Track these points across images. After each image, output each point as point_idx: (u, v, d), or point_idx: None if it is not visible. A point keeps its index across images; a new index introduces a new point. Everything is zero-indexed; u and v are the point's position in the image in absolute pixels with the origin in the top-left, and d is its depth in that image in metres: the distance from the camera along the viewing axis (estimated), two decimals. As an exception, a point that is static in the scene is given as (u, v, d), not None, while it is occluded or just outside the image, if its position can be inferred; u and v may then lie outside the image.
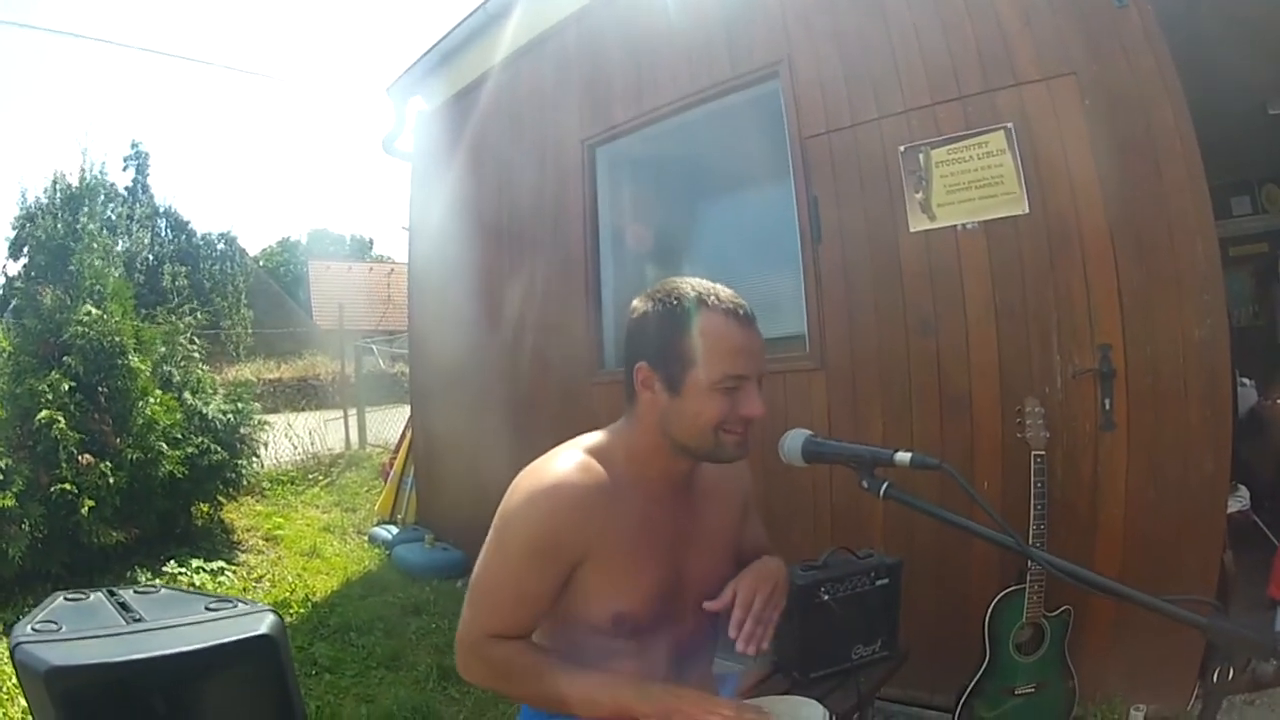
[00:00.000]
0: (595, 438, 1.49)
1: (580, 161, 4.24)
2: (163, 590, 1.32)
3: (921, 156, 2.82)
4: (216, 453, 5.52)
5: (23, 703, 3.46)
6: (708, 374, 1.35)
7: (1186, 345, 2.40)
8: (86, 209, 5.23)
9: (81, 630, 1.08)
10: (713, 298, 1.38)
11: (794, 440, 1.41)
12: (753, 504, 1.71)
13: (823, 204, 3.16)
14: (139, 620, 1.14)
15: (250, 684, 1.13)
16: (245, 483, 6.14)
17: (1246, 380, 4.42)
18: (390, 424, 9.80)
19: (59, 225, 5.08)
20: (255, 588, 5.13)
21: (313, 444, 9.37)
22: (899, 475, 1.30)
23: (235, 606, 1.25)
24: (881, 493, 1.30)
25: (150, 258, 22.24)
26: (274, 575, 5.38)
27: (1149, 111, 2.41)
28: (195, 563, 5.06)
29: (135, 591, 1.26)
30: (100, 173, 5.53)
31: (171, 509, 5.31)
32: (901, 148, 2.87)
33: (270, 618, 1.20)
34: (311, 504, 7.66)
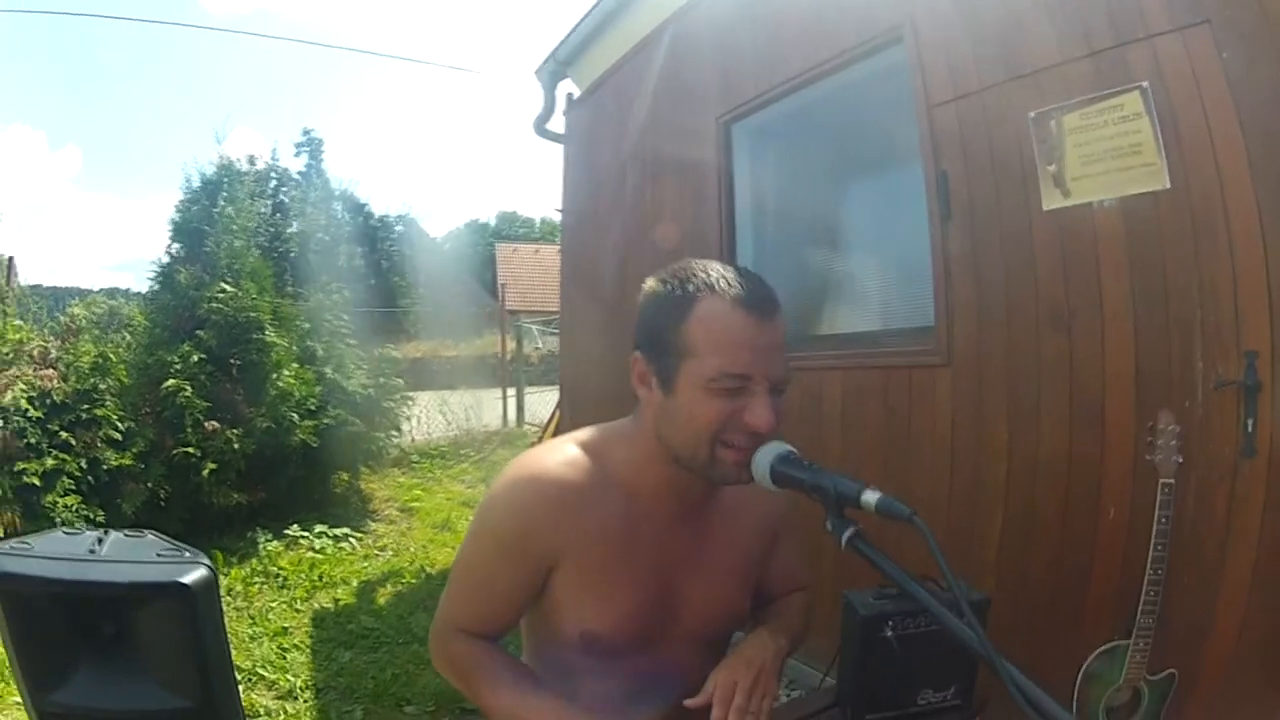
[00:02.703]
0: (597, 432, 1.33)
1: (715, 139, 4.05)
2: (149, 536, 1.29)
3: (1053, 123, 2.41)
4: (354, 425, 5.78)
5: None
6: (702, 369, 1.14)
7: (1338, 354, 1.91)
8: (225, 193, 5.59)
9: (47, 553, 1.14)
10: (722, 281, 1.16)
11: (764, 456, 1.15)
12: (789, 532, 1.47)
13: (952, 179, 2.80)
14: (94, 554, 1.18)
15: (167, 628, 1.14)
16: (384, 454, 6.39)
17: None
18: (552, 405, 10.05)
19: (196, 210, 5.49)
20: (376, 555, 5.31)
21: (468, 420, 9.66)
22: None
23: (183, 555, 1.22)
24: (844, 541, 1.04)
25: (325, 238, 23.68)
26: (398, 545, 5.56)
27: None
28: (319, 528, 5.33)
29: (125, 534, 1.28)
30: (272, 159, 6.03)
31: (307, 476, 5.62)
32: (1032, 114, 2.47)
33: (198, 571, 1.17)
34: (458, 479, 7.91)
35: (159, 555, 1.21)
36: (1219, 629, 2.05)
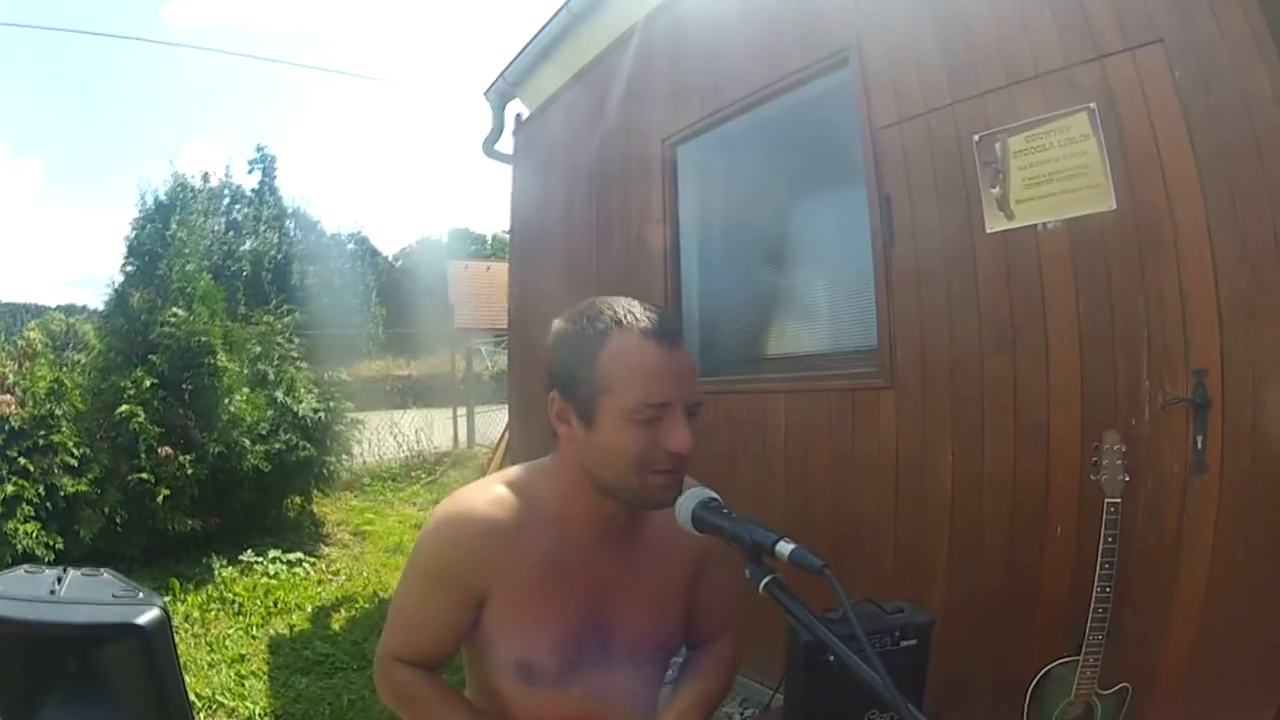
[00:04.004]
0: (521, 471, 1.38)
1: (661, 161, 4.08)
2: (105, 575, 1.35)
3: (998, 145, 2.47)
4: (305, 449, 5.74)
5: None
6: (621, 402, 1.18)
7: (1292, 372, 1.96)
8: (177, 216, 5.55)
9: (10, 593, 1.16)
10: (629, 316, 1.21)
11: (687, 502, 1.18)
12: (717, 566, 1.47)
13: (895, 202, 2.84)
14: (54, 594, 1.20)
15: (124, 665, 1.16)
16: (336, 478, 6.35)
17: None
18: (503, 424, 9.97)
19: (150, 230, 5.46)
20: (330, 580, 5.26)
21: (419, 442, 9.59)
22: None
23: (137, 596, 1.26)
24: (761, 587, 1.07)
25: (279, 256, 23.38)
26: (351, 569, 5.51)
27: (1244, 83, 1.98)
28: (274, 553, 5.29)
29: (83, 573, 1.31)
30: (226, 176, 5.98)
31: (260, 501, 5.58)
32: (976, 136, 2.53)
33: (152, 612, 1.20)
34: (409, 501, 7.86)
35: (114, 596, 1.26)
36: (1172, 643, 2.08)
